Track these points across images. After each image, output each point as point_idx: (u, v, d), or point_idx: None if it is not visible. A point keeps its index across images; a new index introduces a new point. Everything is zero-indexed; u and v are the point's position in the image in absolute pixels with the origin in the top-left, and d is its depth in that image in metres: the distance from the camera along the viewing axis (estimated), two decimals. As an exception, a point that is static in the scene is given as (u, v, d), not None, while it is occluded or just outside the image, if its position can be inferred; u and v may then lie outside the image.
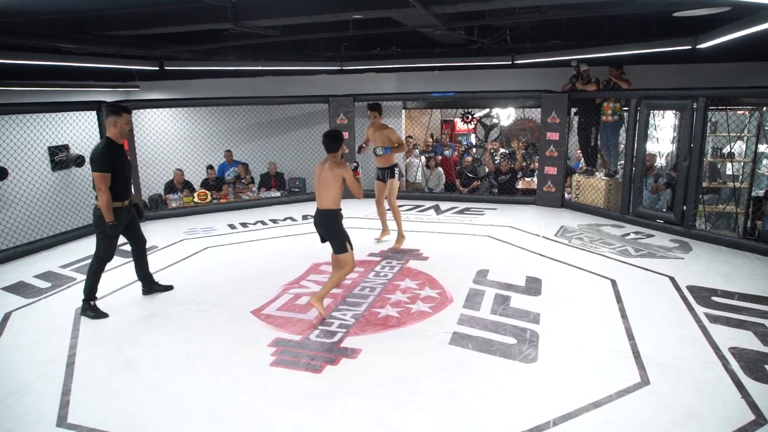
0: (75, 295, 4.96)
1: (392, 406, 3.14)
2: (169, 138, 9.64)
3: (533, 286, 4.93)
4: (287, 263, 5.69)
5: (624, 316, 4.30)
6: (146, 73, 10.47)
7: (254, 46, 9.29)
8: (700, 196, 6.50)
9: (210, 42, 8.59)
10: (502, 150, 10.48)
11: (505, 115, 11.88)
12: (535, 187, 8.58)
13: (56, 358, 3.79)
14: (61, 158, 9.54)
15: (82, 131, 7.44)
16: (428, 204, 8.57)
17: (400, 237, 6.20)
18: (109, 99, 8.14)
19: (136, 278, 4.95)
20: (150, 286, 4.94)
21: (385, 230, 6.47)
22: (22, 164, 7.22)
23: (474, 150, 10.12)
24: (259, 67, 9.63)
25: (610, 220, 7.29)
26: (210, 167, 9.40)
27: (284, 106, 9.95)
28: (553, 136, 8.05)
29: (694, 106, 6.15)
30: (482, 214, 7.79)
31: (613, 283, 5.01)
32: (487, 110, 10.36)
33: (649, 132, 6.95)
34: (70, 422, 3.05)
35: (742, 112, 8.03)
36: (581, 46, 8.45)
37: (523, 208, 8.24)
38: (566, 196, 8.32)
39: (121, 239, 4.58)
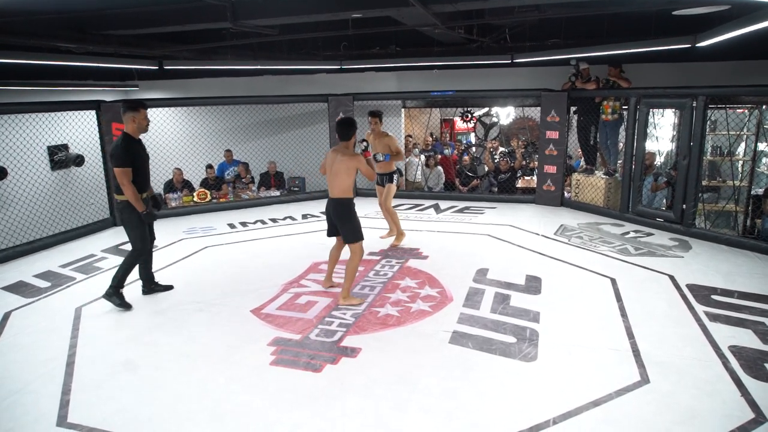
0: (75, 294, 4.97)
1: (392, 405, 3.14)
2: (169, 137, 9.63)
3: (533, 285, 4.93)
4: (287, 262, 5.69)
5: (624, 314, 4.30)
6: (145, 72, 10.47)
7: (253, 46, 9.29)
8: (700, 194, 6.50)
9: (209, 41, 8.59)
10: (501, 149, 10.48)
11: (505, 114, 11.88)
12: (535, 185, 8.58)
13: (56, 357, 3.78)
14: (60, 158, 9.53)
15: (81, 131, 7.44)
16: (428, 203, 8.57)
17: (400, 235, 6.23)
18: (108, 98, 8.13)
19: (138, 277, 4.94)
20: (150, 286, 4.94)
21: (391, 230, 6.50)
22: (21, 164, 7.21)
23: (473, 149, 10.12)
24: (259, 66, 9.63)
25: (610, 219, 7.29)
26: (209, 166, 9.39)
27: (283, 106, 9.94)
28: (553, 134, 8.04)
29: (694, 105, 6.14)
30: (482, 213, 7.79)
31: (613, 281, 5.01)
32: (486, 109, 10.35)
33: (648, 131, 6.94)
34: (70, 422, 3.05)
35: (741, 110, 8.04)
36: (581, 44, 8.46)
37: (523, 206, 8.24)
38: (566, 194, 8.32)
39: (122, 238, 4.58)
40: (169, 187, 8.96)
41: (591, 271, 5.31)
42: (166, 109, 10.31)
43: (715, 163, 8.09)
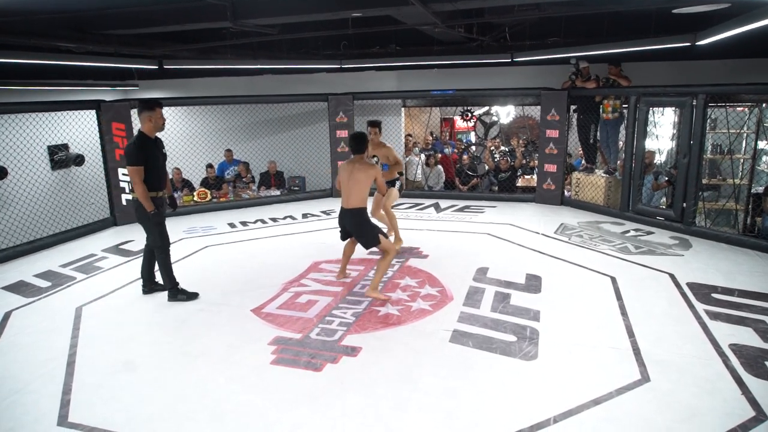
0: (75, 294, 4.97)
1: (392, 404, 3.14)
2: (168, 137, 9.60)
3: (533, 284, 4.93)
4: (287, 262, 5.69)
5: (624, 313, 4.30)
6: (145, 71, 10.47)
7: (253, 45, 9.29)
8: (700, 192, 6.49)
9: (209, 41, 8.59)
10: (502, 148, 10.48)
11: (505, 113, 11.87)
12: (535, 184, 8.58)
13: (56, 357, 3.79)
14: (60, 157, 9.54)
15: (81, 130, 7.44)
16: (428, 202, 8.57)
17: (398, 240, 6.13)
18: (108, 98, 8.14)
19: (139, 276, 4.94)
20: (150, 285, 4.94)
21: (389, 231, 6.35)
22: (21, 163, 7.21)
23: (473, 148, 10.11)
24: (259, 66, 9.63)
25: (610, 218, 7.29)
26: (210, 166, 9.40)
27: (283, 105, 9.94)
28: (553, 133, 8.04)
29: (694, 103, 6.14)
30: (482, 212, 7.79)
31: (613, 280, 5.01)
32: (486, 108, 10.35)
33: (648, 129, 6.94)
34: (71, 421, 3.05)
35: (741, 108, 8.04)
36: (580, 43, 8.45)
37: (523, 205, 8.24)
38: (566, 193, 8.32)
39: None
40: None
41: (591, 269, 5.31)
42: (166, 108, 10.24)
43: (716, 161, 8.09)
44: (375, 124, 6.08)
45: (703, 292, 4.68)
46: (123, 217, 7.38)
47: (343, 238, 4.94)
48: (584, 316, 4.26)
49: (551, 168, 8.15)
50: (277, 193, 9.20)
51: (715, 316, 4.19)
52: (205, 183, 9.24)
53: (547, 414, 3.00)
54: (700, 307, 4.36)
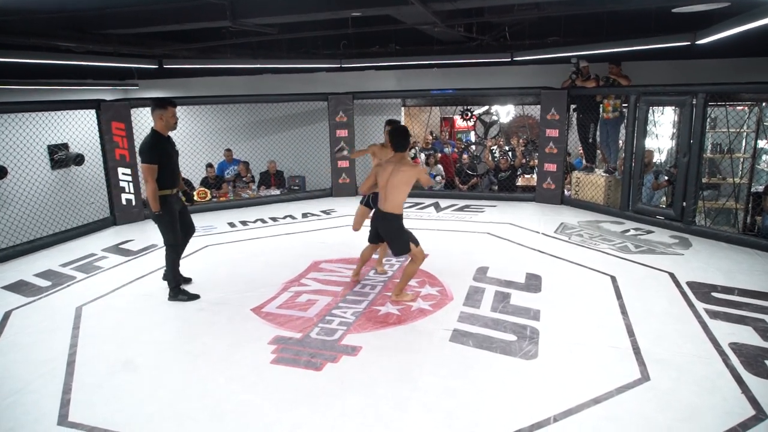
0: (75, 293, 4.97)
1: (393, 404, 3.14)
2: (169, 136, 9.62)
3: (533, 283, 4.93)
4: (287, 261, 5.69)
5: (624, 312, 4.30)
6: (145, 71, 10.47)
7: (253, 44, 9.29)
8: (700, 191, 6.49)
9: (209, 40, 8.59)
10: (505, 148, 10.48)
11: (505, 112, 11.87)
12: (535, 184, 8.58)
13: (57, 357, 3.78)
14: (60, 157, 9.54)
15: (81, 130, 7.43)
16: (428, 201, 8.56)
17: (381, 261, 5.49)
18: (108, 97, 8.14)
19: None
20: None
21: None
22: (21, 163, 7.21)
23: (473, 147, 10.12)
24: (258, 65, 9.63)
25: (610, 217, 7.29)
26: (209, 165, 9.40)
27: (283, 104, 9.94)
28: (553, 132, 8.04)
29: (694, 102, 6.14)
30: (482, 212, 7.79)
31: (613, 279, 5.01)
32: (486, 107, 10.35)
33: (648, 128, 6.93)
34: (71, 421, 3.05)
35: (741, 107, 8.03)
36: (580, 42, 8.45)
37: (523, 205, 8.24)
38: (566, 192, 8.32)
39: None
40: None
41: (591, 268, 5.31)
42: (167, 108, 10.30)
43: (715, 160, 8.09)
44: (389, 123, 5.42)
45: (703, 291, 4.68)
46: (123, 216, 7.38)
47: (373, 240, 4.69)
48: (584, 316, 4.26)
49: (551, 167, 8.15)
50: (277, 192, 9.20)
51: (714, 314, 4.20)
52: (204, 182, 9.24)
53: (547, 413, 3.00)
54: (700, 306, 4.37)
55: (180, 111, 10.77)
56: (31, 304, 4.75)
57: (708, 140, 7.56)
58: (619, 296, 4.62)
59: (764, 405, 3.03)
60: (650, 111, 6.85)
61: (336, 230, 6.96)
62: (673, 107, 7.57)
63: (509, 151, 9.97)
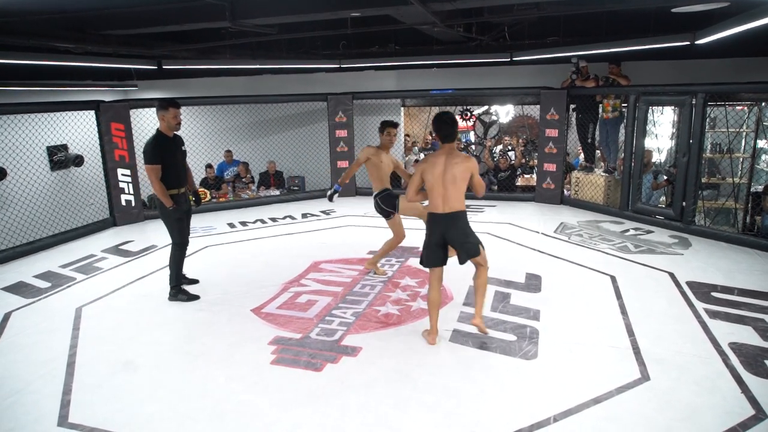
0: (75, 294, 4.97)
1: (393, 403, 3.14)
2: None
3: (533, 283, 4.93)
4: (287, 261, 5.68)
5: (624, 312, 4.30)
6: (144, 72, 10.47)
7: (252, 45, 9.29)
8: (700, 191, 6.49)
9: (208, 41, 8.59)
10: (502, 146, 10.48)
11: (504, 112, 11.88)
12: (535, 184, 8.58)
13: (57, 357, 3.78)
14: (59, 158, 9.53)
15: (80, 131, 7.43)
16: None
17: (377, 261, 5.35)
18: (107, 98, 8.13)
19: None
20: (186, 282, 5.00)
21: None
22: (20, 164, 7.21)
23: (473, 147, 10.12)
24: (258, 66, 9.63)
25: (610, 217, 7.29)
26: (209, 166, 9.39)
27: (283, 105, 9.93)
28: (552, 132, 8.04)
29: (693, 102, 6.14)
30: (482, 211, 7.79)
31: (613, 279, 5.01)
32: (485, 107, 10.36)
33: (648, 128, 6.94)
34: (71, 421, 3.05)
35: (741, 107, 8.04)
36: (580, 42, 8.46)
37: (523, 205, 8.24)
38: (565, 192, 8.32)
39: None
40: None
41: (591, 268, 5.31)
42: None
43: (715, 160, 8.09)
44: (396, 126, 5.04)
45: (702, 290, 4.68)
46: (122, 217, 7.38)
47: (443, 260, 3.78)
48: (584, 315, 4.26)
49: (551, 167, 8.15)
50: (277, 193, 9.20)
51: (714, 314, 4.20)
52: (204, 183, 9.24)
53: (547, 413, 3.00)
54: (700, 306, 4.37)
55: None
56: (31, 305, 4.75)
57: (707, 140, 7.57)
58: (618, 296, 4.62)
59: (764, 405, 3.04)
60: (650, 111, 6.85)
61: (336, 230, 6.97)
62: (673, 107, 7.57)
63: (510, 150, 9.96)
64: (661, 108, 7.93)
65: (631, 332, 3.94)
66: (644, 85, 7.13)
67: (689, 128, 6.24)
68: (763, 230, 6.14)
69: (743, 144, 7.94)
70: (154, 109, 8.93)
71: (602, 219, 7.23)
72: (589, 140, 8.13)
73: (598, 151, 8.38)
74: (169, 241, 4.71)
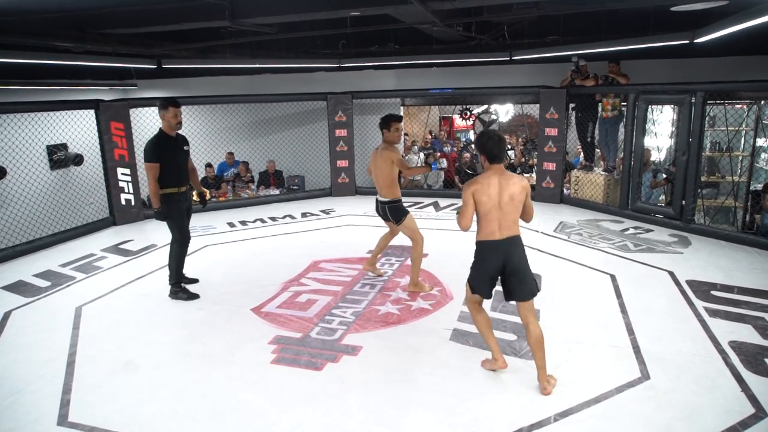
0: (75, 293, 4.97)
1: (393, 403, 3.15)
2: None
3: (533, 282, 4.92)
4: (287, 261, 5.68)
5: (624, 311, 4.30)
6: (144, 71, 10.47)
7: (252, 44, 9.29)
8: (699, 190, 6.50)
9: (207, 40, 8.59)
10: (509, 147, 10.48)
11: (504, 111, 11.88)
12: (534, 183, 8.58)
13: (57, 357, 3.78)
14: (59, 157, 9.53)
15: (80, 130, 7.43)
16: (427, 201, 8.56)
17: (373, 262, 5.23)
18: (107, 97, 8.14)
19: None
20: (186, 281, 4.99)
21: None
22: (20, 163, 7.20)
23: (472, 146, 10.12)
24: (257, 65, 9.62)
25: (609, 216, 7.29)
26: (209, 165, 9.39)
27: (282, 104, 9.93)
28: (552, 131, 8.04)
29: (693, 101, 6.14)
30: (481, 211, 7.78)
31: (613, 278, 5.01)
32: (485, 106, 10.35)
33: (647, 127, 6.94)
34: (71, 421, 3.05)
35: (740, 106, 8.04)
36: (579, 41, 8.46)
37: (522, 204, 8.22)
38: (565, 191, 8.32)
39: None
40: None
41: (591, 267, 5.32)
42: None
43: (714, 158, 8.09)
44: (400, 120, 5.00)
45: (702, 289, 4.69)
46: (122, 216, 7.38)
47: (488, 294, 3.30)
48: (584, 315, 4.26)
49: (550, 166, 8.15)
50: (276, 192, 9.20)
51: (714, 313, 4.20)
52: (204, 182, 9.23)
53: (547, 412, 3.00)
54: (700, 305, 4.37)
55: (180, 111, 10.55)
56: (31, 305, 4.74)
57: (707, 138, 7.57)
58: (618, 295, 4.62)
59: (764, 403, 3.04)
60: (649, 109, 6.85)
61: (335, 230, 6.97)
62: (672, 106, 7.58)
63: (509, 149, 9.96)
64: (660, 106, 7.94)
65: (630, 331, 3.95)
66: (643, 84, 7.13)
67: (689, 127, 6.24)
68: (762, 228, 6.15)
69: (743, 142, 7.94)
70: (153, 108, 8.95)
71: (602, 218, 7.23)
72: (589, 139, 8.13)
73: (597, 150, 8.38)
74: (169, 240, 4.72)
